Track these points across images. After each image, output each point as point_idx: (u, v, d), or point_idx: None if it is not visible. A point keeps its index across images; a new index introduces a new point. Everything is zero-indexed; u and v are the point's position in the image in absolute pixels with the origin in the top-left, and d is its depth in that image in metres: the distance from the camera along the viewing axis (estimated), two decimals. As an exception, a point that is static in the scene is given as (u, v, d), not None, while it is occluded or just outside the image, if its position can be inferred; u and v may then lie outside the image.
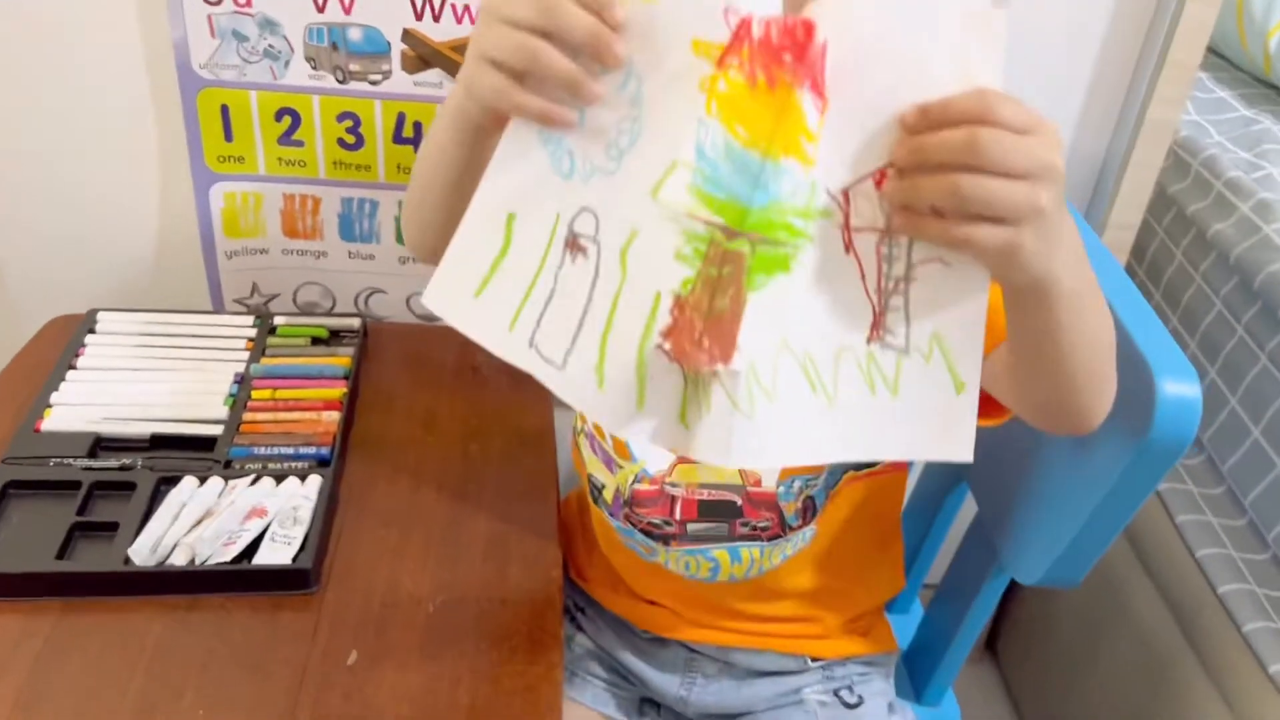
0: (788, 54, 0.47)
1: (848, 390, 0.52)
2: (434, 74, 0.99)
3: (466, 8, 0.96)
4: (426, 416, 0.95)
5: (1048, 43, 1.02)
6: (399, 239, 1.08)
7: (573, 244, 0.53)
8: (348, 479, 0.87)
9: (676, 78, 0.50)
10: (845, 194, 0.49)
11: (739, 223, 0.49)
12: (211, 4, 0.94)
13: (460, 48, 0.98)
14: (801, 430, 0.52)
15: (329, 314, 1.12)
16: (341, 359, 0.98)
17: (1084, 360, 0.59)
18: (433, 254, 0.60)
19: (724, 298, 0.50)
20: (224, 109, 0.99)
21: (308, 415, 0.91)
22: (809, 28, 0.47)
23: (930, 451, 0.53)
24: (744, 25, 0.48)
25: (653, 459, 0.79)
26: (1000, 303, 0.56)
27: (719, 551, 0.79)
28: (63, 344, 0.97)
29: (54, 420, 0.88)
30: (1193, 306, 1.23)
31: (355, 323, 1.03)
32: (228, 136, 1.01)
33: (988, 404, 0.63)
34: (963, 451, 0.52)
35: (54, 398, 0.90)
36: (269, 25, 0.96)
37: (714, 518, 0.78)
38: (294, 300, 1.12)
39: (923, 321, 0.50)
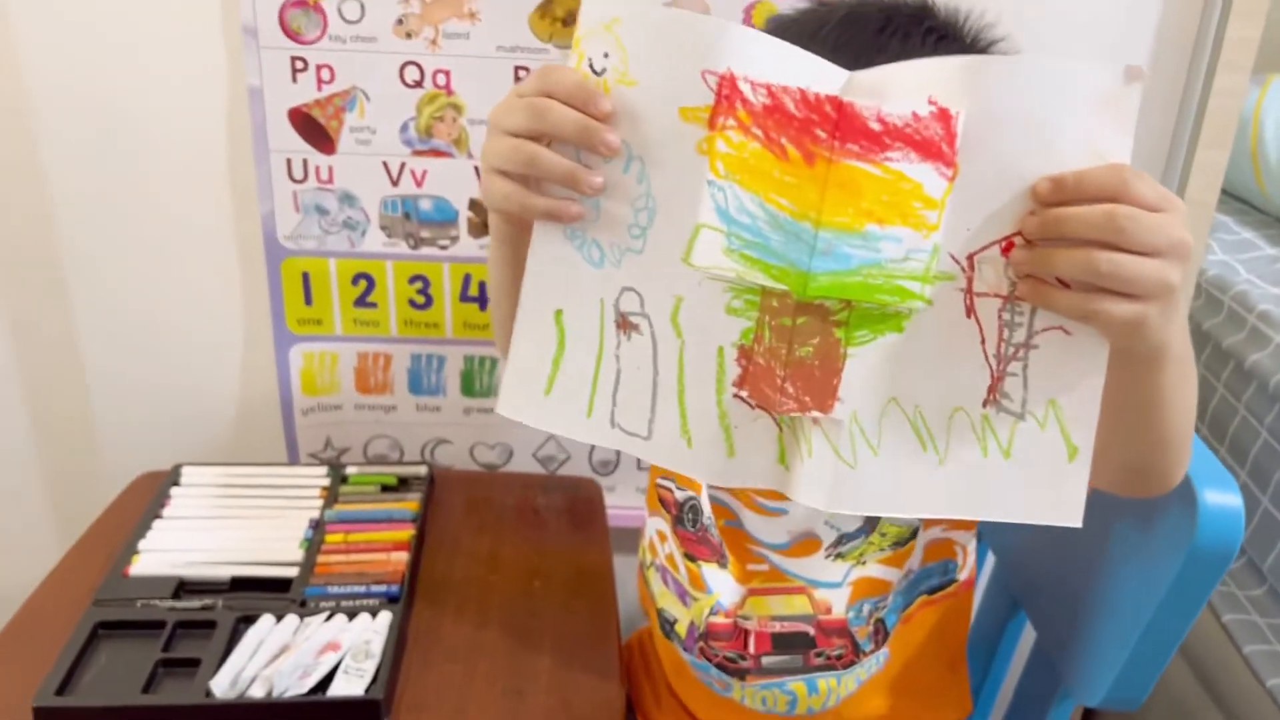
0: (821, 130, 0.49)
1: (959, 450, 0.52)
2: None
3: None
4: (490, 557, 0.99)
5: None
6: (464, 391, 1.14)
7: (624, 323, 0.55)
8: (416, 616, 0.90)
9: (673, 148, 0.51)
10: (970, 259, 0.50)
11: (802, 289, 0.50)
12: (297, 181, 1.04)
13: (520, 213, 1.07)
14: (907, 484, 0.53)
15: (398, 463, 1.17)
16: (410, 503, 1.02)
17: (1179, 422, 0.59)
18: None
19: (806, 346, 0.51)
20: (305, 276, 1.08)
21: (378, 556, 0.95)
22: (838, 104, 0.49)
23: (1039, 515, 0.53)
24: (725, 81, 0.49)
25: (726, 591, 0.80)
26: None
27: (796, 684, 0.79)
28: (149, 497, 1.03)
29: (141, 565, 0.93)
30: (1239, 436, 1.25)
31: (423, 470, 1.08)
32: (308, 301, 1.09)
33: None
34: (1072, 517, 0.53)
35: (141, 545, 0.95)
36: (348, 199, 1.06)
37: (788, 649, 0.78)
38: (364, 452, 1.17)
39: (1041, 388, 0.51)
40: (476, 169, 1.05)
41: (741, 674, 0.80)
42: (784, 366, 0.51)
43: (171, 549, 0.95)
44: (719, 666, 0.80)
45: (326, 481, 1.06)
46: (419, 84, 1.01)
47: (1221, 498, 0.70)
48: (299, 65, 1.00)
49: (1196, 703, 1.17)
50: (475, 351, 1.13)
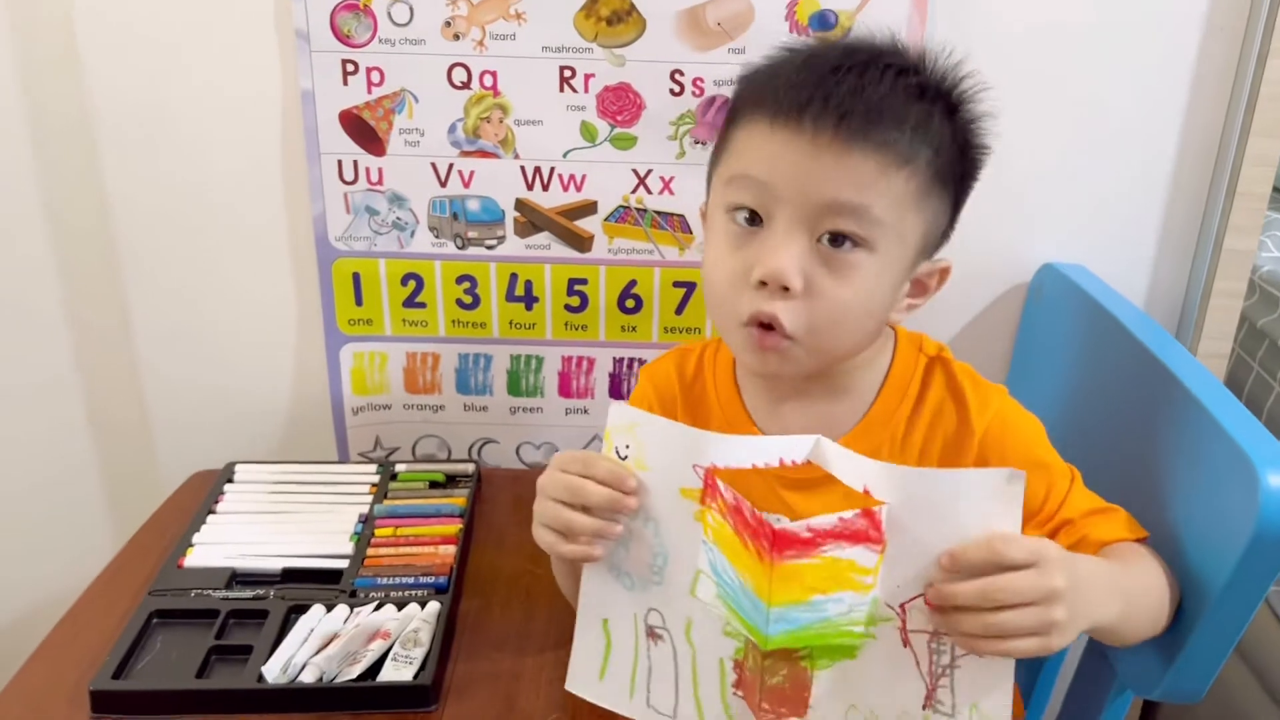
0: (764, 541, 0.63)
1: None
2: (543, 237, 1.09)
3: (572, 177, 1.06)
4: (535, 552, 0.93)
5: (1119, 178, 1.07)
6: (510, 390, 1.15)
7: (652, 634, 0.70)
8: (464, 607, 0.91)
9: (677, 516, 0.67)
10: (902, 607, 0.63)
11: (762, 643, 0.65)
12: (347, 183, 1.06)
13: (565, 213, 1.08)
14: None
15: (446, 461, 1.18)
16: (457, 499, 1.03)
17: (1148, 629, 0.72)
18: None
19: (776, 677, 0.66)
20: (355, 276, 1.10)
21: (426, 549, 0.96)
22: (772, 532, 0.63)
23: None
24: (709, 474, 0.65)
25: None
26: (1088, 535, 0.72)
27: None
28: (203, 493, 1.05)
29: (196, 557, 0.95)
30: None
31: (470, 468, 1.09)
32: (358, 301, 1.11)
33: None
34: None
35: (196, 538, 0.97)
36: (397, 200, 1.07)
37: None
38: (413, 452, 1.19)
39: (965, 694, 0.63)
40: (523, 169, 1.06)
41: None
42: (760, 691, 0.67)
43: (225, 542, 0.97)
44: None
45: (376, 478, 1.07)
46: (466, 85, 1.03)
47: (1283, 480, 0.68)
48: (350, 68, 1.02)
49: (1253, 699, 1.14)
50: (521, 350, 1.14)
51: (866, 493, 0.62)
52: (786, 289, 0.67)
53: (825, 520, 0.63)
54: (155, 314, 1.14)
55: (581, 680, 0.73)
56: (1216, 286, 1.07)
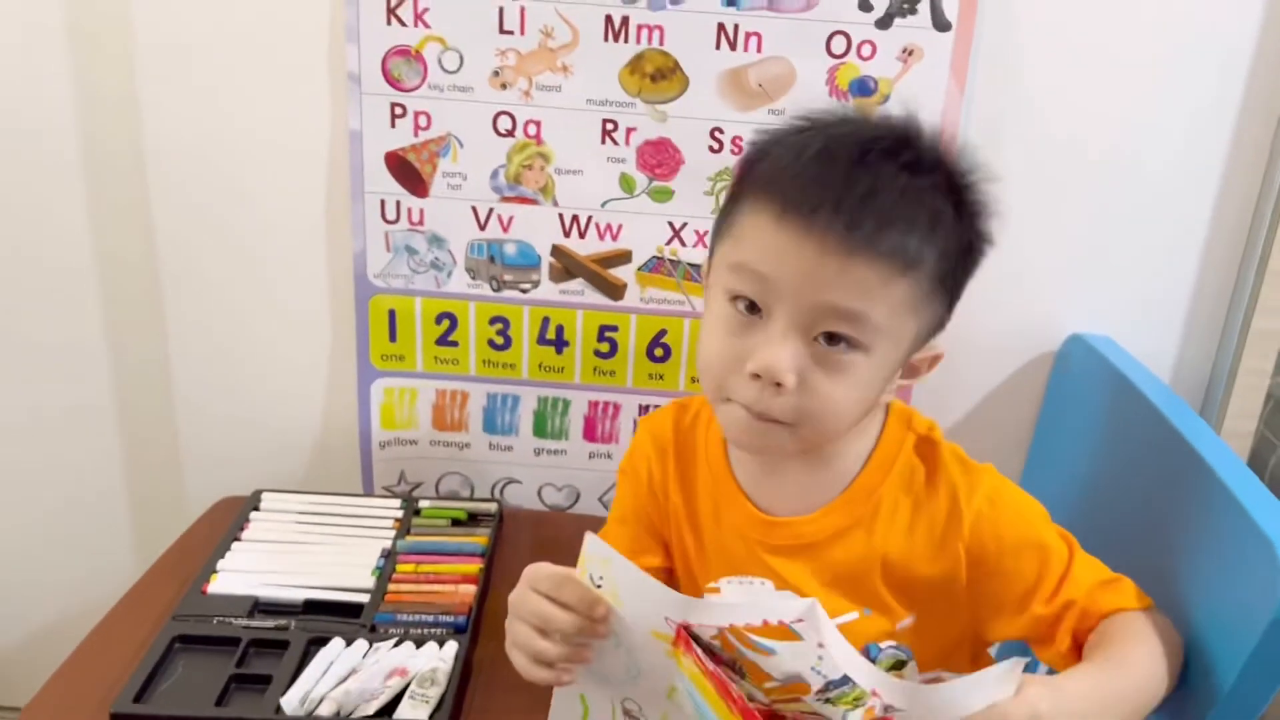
0: (740, 709, 0.60)
1: None
2: (577, 283, 1.11)
3: (609, 226, 1.08)
4: None
5: (1150, 250, 1.08)
6: (536, 431, 1.16)
7: (629, 715, 0.70)
8: (481, 648, 0.91)
9: (649, 649, 0.64)
10: None
11: None
12: (389, 222, 1.09)
13: (601, 261, 1.10)
14: None
15: (469, 499, 1.19)
16: (479, 538, 1.04)
17: (1150, 709, 0.70)
18: None
19: None
20: (391, 313, 1.12)
21: (447, 588, 0.96)
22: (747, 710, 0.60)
23: None
24: (680, 631, 0.62)
25: None
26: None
27: None
28: (229, 520, 1.06)
29: (219, 584, 0.96)
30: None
31: (492, 507, 1.10)
32: (392, 338, 1.13)
33: None
34: None
35: (220, 564, 0.98)
36: (437, 241, 1.09)
37: None
38: (436, 488, 1.20)
39: None
40: (561, 216, 1.08)
41: None
42: None
43: (249, 570, 0.98)
44: None
45: (400, 513, 1.08)
46: (510, 133, 1.05)
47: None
48: (398, 111, 1.05)
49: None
50: (549, 393, 1.15)
51: (875, 694, 0.60)
52: (779, 385, 0.67)
53: None
54: (192, 340, 1.16)
55: None
56: (1244, 365, 1.08)
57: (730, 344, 0.69)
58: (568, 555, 1.06)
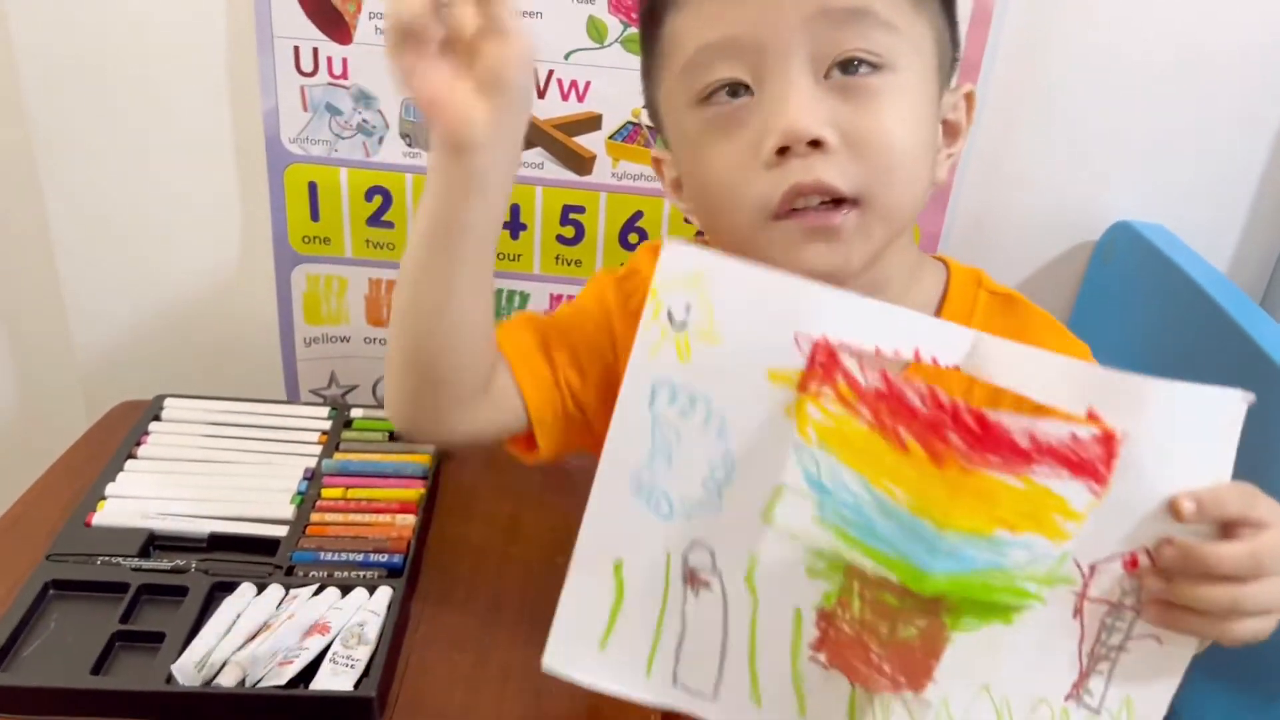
0: (954, 434, 0.48)
1: None
2: (535, 153, 0.97)
3: (574, 84, 0.94)
4: (510, 524, 0.88)
5: (1213, 137, 0.99)
6: (488, 329, 1.04)
7: (693, 579, 0.55)
8: (421, 593, 0.80)
9: (758, 408, 0.51)
10: (1092, 567, 0.51)
11: (916, 584, 0.51)
12: (305, 75, 0.94)
13: (564, 127, 0.94)
14: None
15: (409, 408, 1.07)
16: (421, 457, 0.91)
17: None
18: (433, 404, 0.64)
19: (910, 628, 0.52)
20: (312, 186, 0.99)
21: (381, 518, 0.84)
22: (981, 420, 0.48)
23: None
24: (820, 349, 0.49)
25: None
26: None
27: None
28: (125, 430, 0.93)
29: (106, 514, 0.82)
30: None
31: (437, 418, 0.97)
32: (314, 216, 1.00)
33: None
34: None
35: (109, 489, 0.85)
36: (364, 99, 0.96)
37: None
38: (373, 393, 1.10)
39: (1121, 686, 0.53)
40: (515, 70, 0.93)
41: None
42: (882, 645, 0.53)
43: (143, 495, 0.84)
44: None
45: (327, 425, 0.96)
46: (452, -36, 0.88)
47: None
48: (311, -67, 0.88)
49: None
50: (503, 284, 1.04)
51: (1092, 415, 0.48)
52: (817, 143, 0.56)
53: (1055, 430, 0.48)
54: (78, 219, 1.03)
55: (570, 653, 0.57)
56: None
57: (733, 145, 0.59)
58: (528, 472, 0.94)
